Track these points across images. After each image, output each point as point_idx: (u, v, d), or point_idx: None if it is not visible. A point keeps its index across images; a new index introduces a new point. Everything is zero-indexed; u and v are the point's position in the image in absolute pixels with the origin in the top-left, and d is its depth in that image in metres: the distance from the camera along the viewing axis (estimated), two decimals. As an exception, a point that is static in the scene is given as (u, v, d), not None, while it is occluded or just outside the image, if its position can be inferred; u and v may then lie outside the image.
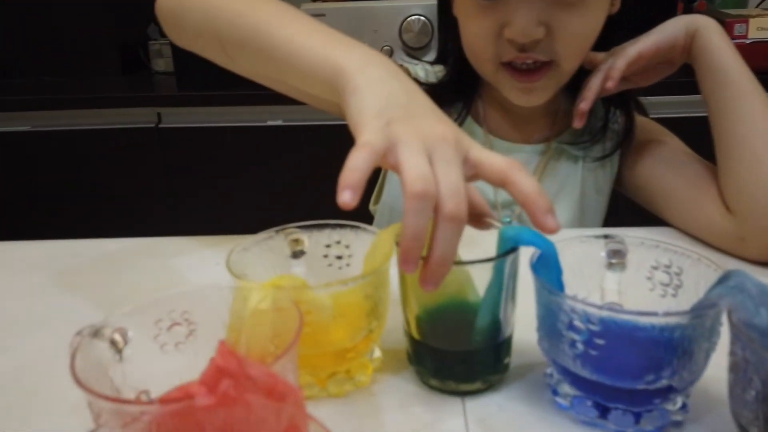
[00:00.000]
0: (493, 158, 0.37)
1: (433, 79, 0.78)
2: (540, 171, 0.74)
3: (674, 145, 0.73)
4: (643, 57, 0.64)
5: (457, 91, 0.75)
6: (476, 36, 0.65)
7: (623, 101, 0.73)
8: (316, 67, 0.43)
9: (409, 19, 1.49)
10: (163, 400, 0.30)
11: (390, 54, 1.54)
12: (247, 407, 0.26)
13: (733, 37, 1.38)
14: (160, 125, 1.53)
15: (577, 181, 0.75)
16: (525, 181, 0.36)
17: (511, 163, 0.37)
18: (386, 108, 0.38)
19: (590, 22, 0.63)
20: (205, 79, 1.51)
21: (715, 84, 0.63)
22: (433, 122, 0.37)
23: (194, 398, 0.26)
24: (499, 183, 0.37)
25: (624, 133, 0.74)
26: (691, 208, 0.66)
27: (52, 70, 1.77)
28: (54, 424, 0.39)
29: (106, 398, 0.26)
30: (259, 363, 0.27)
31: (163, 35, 1.82)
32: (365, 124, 0.37)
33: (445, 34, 0.75)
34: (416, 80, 0.77)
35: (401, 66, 0.79)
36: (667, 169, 0.70)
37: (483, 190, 0.74)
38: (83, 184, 1.59)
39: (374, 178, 0.86)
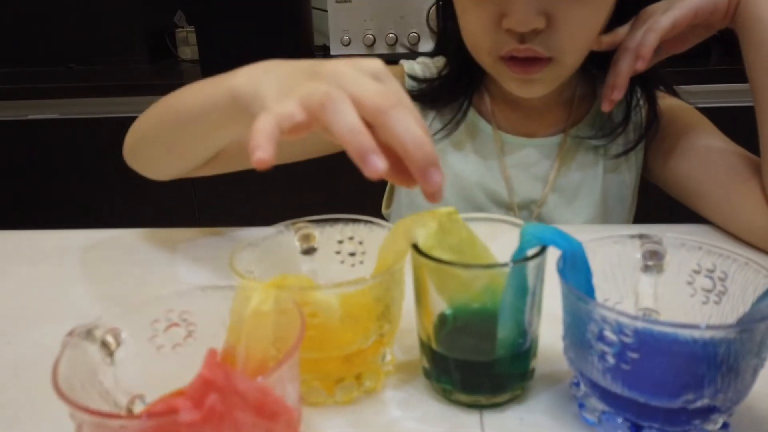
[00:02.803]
0: (367, 91, 0.33)
1: (433, 72, 0.72)
2: (557, 166, 0.69)
3: (708, 132, 0.67)
4: (679, 26, 0.57)
5: (459, 84, 0.69)
6: (474, 27, 0.60)
7: (646, 87, 0.67)
8: (221, 109, 0.45)
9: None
10: (146, 415, 0.28)
11: (417, 41, 1.50)
12: (234, 425, 0.23)
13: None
14: (185, 113, 1.52)
15: (598, 174, 0.69)
16: (401, 124, 0.32)
17: (387, 97, 0.32)
18: (284, 86, 0.37)
19: (596, 12, 0.57)
20: (229, 67, 1.49)
21: (762, 60, 0.57)
22: (331, 64, 0.36)
23: (178, 413, 0.23)
24: (374, 125, 0.33)
25: (647, 124, 0.68)
26: (728, 206, 0.60)
27: (80, 58, 1.78)
28: (49, 426, 0.37)
29: (86, 410, 0.24)
30: (250, 377, 0.24)
31: (190, 23, 1.82)
32: (266, 107, 0.36)
33: (445, 23, 0.70)
34: (413, 77, 0.72)
35: (398, 64, 0.74)
36: (698, 161, 0.64)
37: (495, 190, 0.69)
38: (108, 172, 1.59)
39: (384, 181, 0.82)
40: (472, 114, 0.70)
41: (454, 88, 0.69)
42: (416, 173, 0.32)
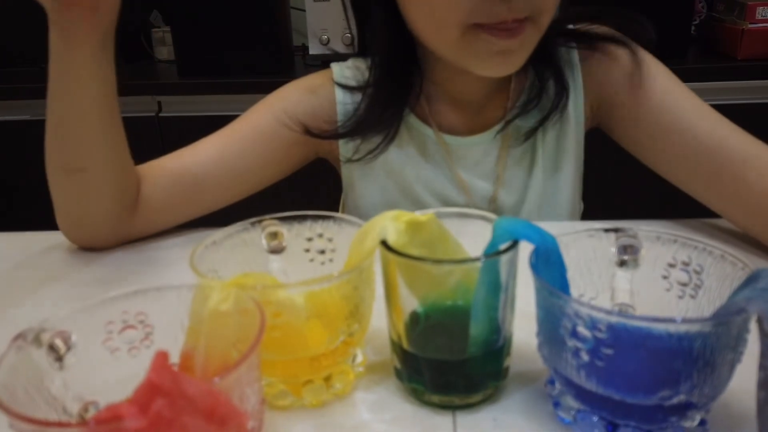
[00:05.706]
0: None
1: (366, 77, 0.65)
2: (503, 159, 0.65)
3: (684, 98, 0.61)
4: None
5: (394, 86, 0.63)
6: None
7: (549, 59, 0.62)
8: (60, 53, 0.52)
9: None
10: (89, 422, 0.26)
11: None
12: (182, 431, 0.22)
13: (754, 21, 1.31)
14: (161, 114, 1.50)
15: (543, 157, 0.65)
16: None
17: None
18: None
19: None
20: (205, 67, 1.47)
21: None
22: None
23: (123, 420, 0.22)
24: None
25: (555, 102, 0.63)
26: (722, 179, 0.57)
27: (53, 59, 1.74)
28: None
29: (21, 418, 0.23)
30: (200, 380, 0.23)
31: (166, 22, 1.79)
32: None
33: (365, 17, 0.64)
34: (343, 85, 0.66)
35: (328, 68, 0.69)
36: (682, 149, 0.59)
37: (451, 198, 0.67)
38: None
39: (338, 190, 0.76)
40: (413, 119, 0.66)
41: (387, 102, 0.63)
42: None
